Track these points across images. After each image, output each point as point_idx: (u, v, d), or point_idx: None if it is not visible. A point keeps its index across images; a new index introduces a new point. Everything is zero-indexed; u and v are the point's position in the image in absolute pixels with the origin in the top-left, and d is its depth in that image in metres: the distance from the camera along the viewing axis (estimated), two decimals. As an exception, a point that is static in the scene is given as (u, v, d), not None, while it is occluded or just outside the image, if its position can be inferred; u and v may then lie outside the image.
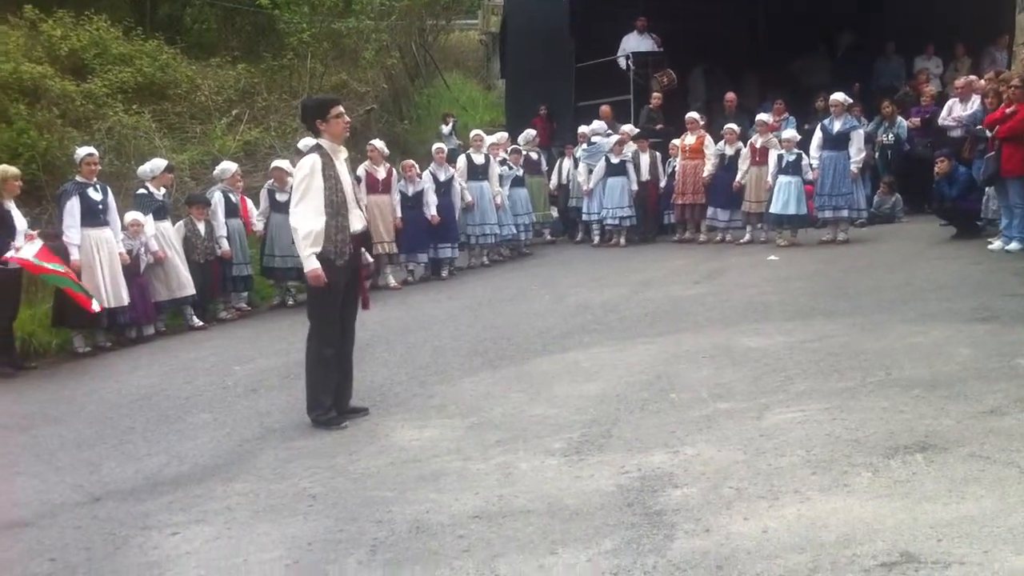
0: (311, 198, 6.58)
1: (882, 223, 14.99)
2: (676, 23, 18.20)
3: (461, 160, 14.66)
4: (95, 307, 9.95)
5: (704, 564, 3.99)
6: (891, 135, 15.48)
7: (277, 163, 12.86)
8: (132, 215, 11.01)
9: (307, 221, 6.57)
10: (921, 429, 5.36)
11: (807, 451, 5.21)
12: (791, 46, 19.16)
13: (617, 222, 15.58)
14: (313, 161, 6.63)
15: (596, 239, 16.07)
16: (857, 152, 13.47)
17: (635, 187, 15.42)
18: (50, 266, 9.85)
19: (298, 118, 13.80)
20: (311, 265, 6.58)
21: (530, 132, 16.59)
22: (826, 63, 19.05)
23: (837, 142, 13.45)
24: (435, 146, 14.45)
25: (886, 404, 5.91)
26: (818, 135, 13.67)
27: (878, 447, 5.14)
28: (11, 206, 9.98)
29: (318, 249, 6.58)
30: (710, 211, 15.02)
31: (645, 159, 15.66)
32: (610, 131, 16.19)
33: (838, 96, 13.64)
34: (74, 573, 4.65)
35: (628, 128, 16.05)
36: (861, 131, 13.85)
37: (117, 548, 4.92)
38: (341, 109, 6.89)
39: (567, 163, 16.87)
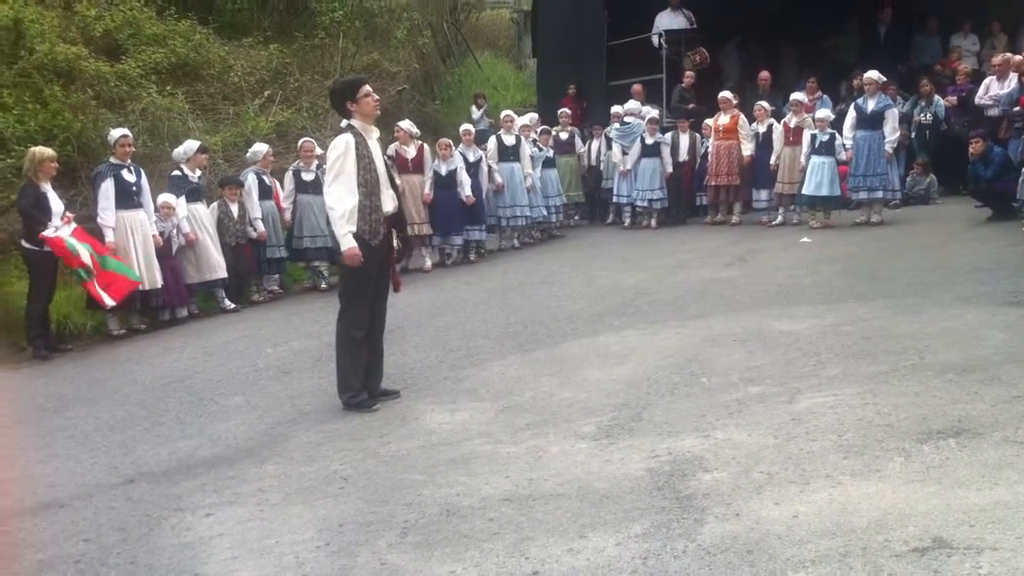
0: (345, 177, 6.60)
1: (917, 204, 14.84)
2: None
3: (491, 141, 14.60)
4: (108, 302, 10.03)
5: (734, 548, 3.99)
6: (928, 114, 15.29)
7: (304, 140, 12.90)
8: (164, 197, 11.08)
9: (342, 200, 6.58)
10: (954, 414, 5.32)
11: (839, 436, 5.19)
12: (825, 23, 18.94)
13: (647, 204, 15.50)
14: (347, 140, 6.62)
15: (627, 221, 16.01)
16: (892, 132, 13.32)
17: (670, 169, 15.30)
18: (82, 247, 9.92)
19: (328, 102, 13.82)
20: (348, 244, 6.58)
21: (565, 110, 16.43)
22: (859, 41, 18.81)
23: (871, 122, 13.30)
24: (462, 127, 14.37)
25: (919, 388, 5.87)
26: (851, 115, 13.54)
27: (911, 432, 5.11)
28: (47, 188, 10.09)
29: (354, 228, 6.59)
30: (753, 193, 14.94)
31: (685, 140, 15.53)
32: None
33: (872, 74, 13.48)
34: (108, 554, 4.71)
35: (645, 110, 15.92)
36: (895, 110, 13.68)
37: (151, 529, 4.98)
38: (369, 88, 6.86)
39: (595, 144, 16.75)
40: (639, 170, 15.39)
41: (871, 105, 13.32)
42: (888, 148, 13.26)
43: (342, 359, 6.88)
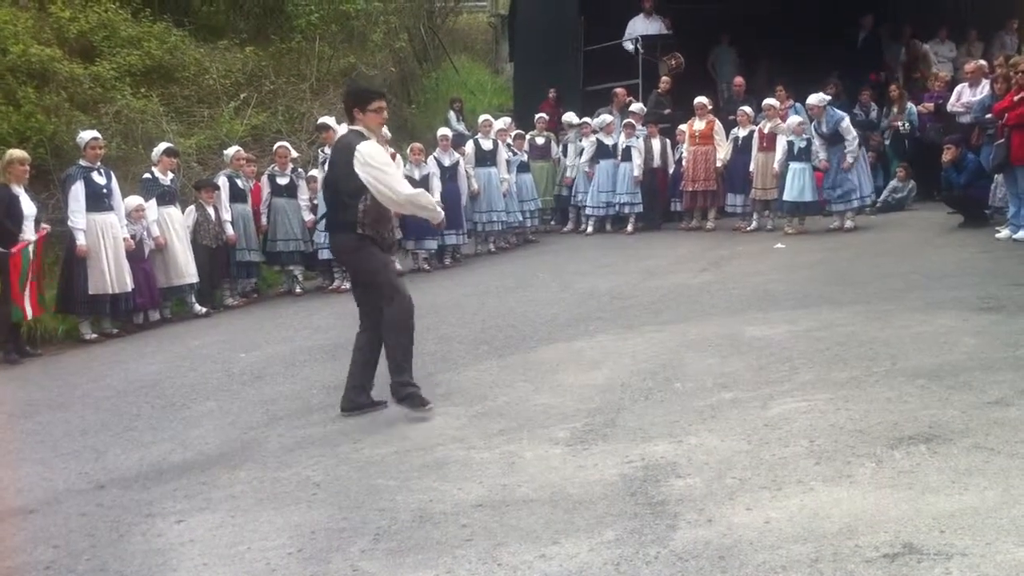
0: (397, 171, 6.69)
1: (890, 211, 14.93)
2: (685, 4, 18.12)
3: (469, 146, 14.59)
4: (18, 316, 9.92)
5: (706, 554, 3.99)
6: (905, 123, 15.35)
7: (279, 144, 12.86)
8: (131, 199, 11.01)
9: (408, 187, 6.65)
10: (925, 419, 5.34)
11: (811, 441, 5.20)
12: (804, 29, 18.99)
13: (617, 209, 15.48)
14: (376, 144, 6.55)
15: (591, 228, 15.95)
16: (850, 144, 13.38)
17: (638, 173, 15.26)
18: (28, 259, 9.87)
19: (303, 105, 13.82)
20: (440, 209, 6.84)
21: (606, 117, 16.22)
22: (839, 48, 18.87)
23: (833, 139, 13.44)
24: (440, 132, 14.38)
25: (891, 394, 5.89)
26: (816, 138, 13.64)
27: (882, 437, 5.13)
28: (20, 191, 9.98)
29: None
30: (729, 197, 14.99)
31: (656, 144, 15.55)
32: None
33: (813, 100, 13.53)
34: (78, 560, 4.66)
35: (601, 120, 15.91)
36: (847, 122, 13.65)
37: (121, 536, 4.94)
38: (383, 104, 6.75)
39: (557, 150, 16.76)
40: (616, 174, 15.39)
41: (824, 127, 13.44)
42: (849, 158, 13.32)
43: (399, 346, 6.59)
